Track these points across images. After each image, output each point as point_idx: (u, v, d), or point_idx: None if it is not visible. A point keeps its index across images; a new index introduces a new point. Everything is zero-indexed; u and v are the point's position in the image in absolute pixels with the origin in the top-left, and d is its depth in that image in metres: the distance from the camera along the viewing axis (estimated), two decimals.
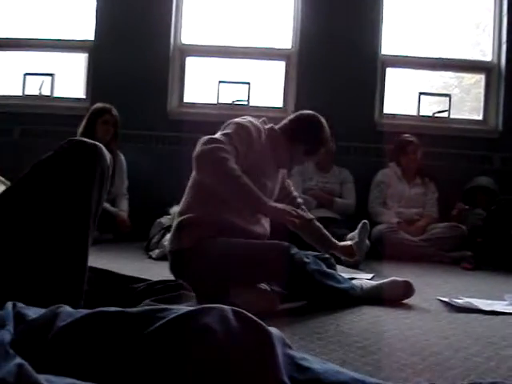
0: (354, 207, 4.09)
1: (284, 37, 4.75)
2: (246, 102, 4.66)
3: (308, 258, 2.02)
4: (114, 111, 4.05)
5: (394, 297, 2.14)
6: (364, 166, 4.33)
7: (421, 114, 4.66)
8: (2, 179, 3.09)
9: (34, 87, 4.79)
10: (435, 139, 4.42)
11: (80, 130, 3.95)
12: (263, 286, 2.00)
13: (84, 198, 1.20)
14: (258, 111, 4.24)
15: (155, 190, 4.13)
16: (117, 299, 1.21)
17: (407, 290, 2.16)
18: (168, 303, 1.19)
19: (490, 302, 2.20)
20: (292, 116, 2.43)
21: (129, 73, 4.54)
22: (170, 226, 3.01)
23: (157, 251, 3.24)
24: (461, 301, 2.17)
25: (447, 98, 4.65)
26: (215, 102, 4.69)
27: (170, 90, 4.67)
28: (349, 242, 2.56)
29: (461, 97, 5.00)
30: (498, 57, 4.60)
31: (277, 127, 2.36)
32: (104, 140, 3.95)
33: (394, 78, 4.74)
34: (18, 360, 0.68)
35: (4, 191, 1.21)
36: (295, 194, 2.55)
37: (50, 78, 4.78)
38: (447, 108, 4.63)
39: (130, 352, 0.81)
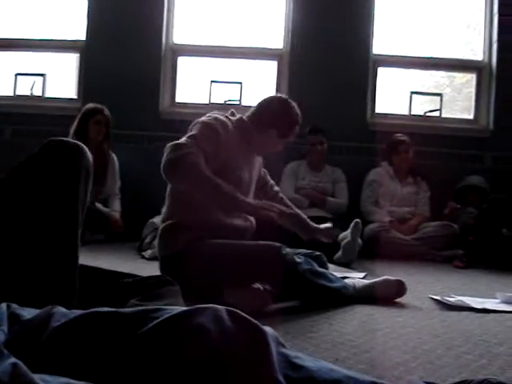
0: (346, 206, 4.09)
1: (276, 37, 4.75)
2: (238, 102, 4.65)
3: (300, 257, 2.04)
4: (106, 111, 4.04)
5: (386, 295, 2.15)
6: (356, 165, 4.33)
7: (412, 113, 4.68)
8: None
9: (25, 87, 4.77)
10: (427, 138, 4.43)
11: (72, 130, 3.94)
12: (256, 285, 2.00)
13: (71, 197, 1.20)
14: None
15: (148, 190, 4.09)
16: (107, 294, 1.21)
17: (399, 288, 2.17)
18: (153, 300, 1.19)
19: (481, 300, 2.22)
20: (257, 103, 2.39)
21: (120, 73, 4.53)
22: None
23: (149, 251, 3.23)
24: (453, 299, 2.18)
25: (438, 98, 4.68)
26: (207, 102, 4.68)
27: (162, 90, 4.66)
28: (328, 225, 2.55)
29: (452, 96, 5.02)
30: (488, 56, 4.63)
31: (245, 116, 2.33)
32: (96, 140, 3.95)
33: (385, 77, 4.75)
34: (13, 359, 0.67)
35: None
36: (271, 182, 2.58)
37: (41, 78, 4.77)
38: (438, 107, 4.66)
39: (123, 352, 0.81)
